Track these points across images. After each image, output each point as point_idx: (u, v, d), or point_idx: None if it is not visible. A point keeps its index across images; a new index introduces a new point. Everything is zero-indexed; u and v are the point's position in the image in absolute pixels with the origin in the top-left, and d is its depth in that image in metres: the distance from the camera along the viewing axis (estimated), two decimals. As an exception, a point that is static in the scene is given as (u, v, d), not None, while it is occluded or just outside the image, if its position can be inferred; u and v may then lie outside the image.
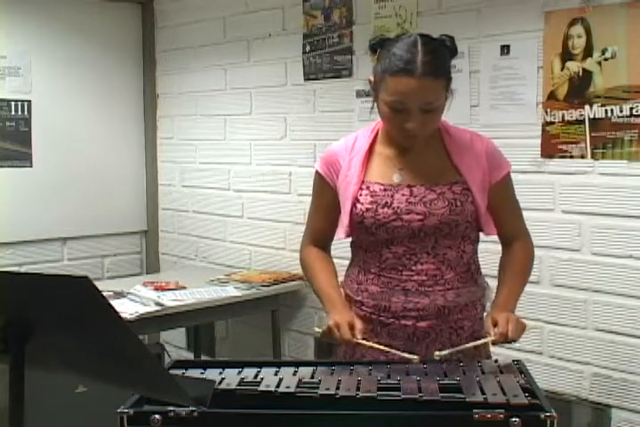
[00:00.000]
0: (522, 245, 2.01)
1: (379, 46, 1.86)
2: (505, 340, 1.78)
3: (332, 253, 2.11)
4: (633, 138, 2.55)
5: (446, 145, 1.94)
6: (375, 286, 1.95)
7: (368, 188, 1.92)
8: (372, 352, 1.90)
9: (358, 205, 1.91)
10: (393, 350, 1.80)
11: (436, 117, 1.85)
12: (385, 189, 1.91)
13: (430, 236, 1.89)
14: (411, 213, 1.88)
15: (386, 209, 1.89)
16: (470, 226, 1.93)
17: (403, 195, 1.89)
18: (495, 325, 1.81)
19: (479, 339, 1.92)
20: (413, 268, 1.90)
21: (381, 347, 1.82)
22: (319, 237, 2.07)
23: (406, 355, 1.76)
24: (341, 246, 2.11)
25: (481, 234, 2.01)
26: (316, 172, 2.03)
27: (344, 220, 1.95)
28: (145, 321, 3.05)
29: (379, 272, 1.94)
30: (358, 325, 1.82)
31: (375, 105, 1.88)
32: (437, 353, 1.74)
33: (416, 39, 1.80)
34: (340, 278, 2.06)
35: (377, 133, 1.98)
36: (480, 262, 2.02)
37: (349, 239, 2.03)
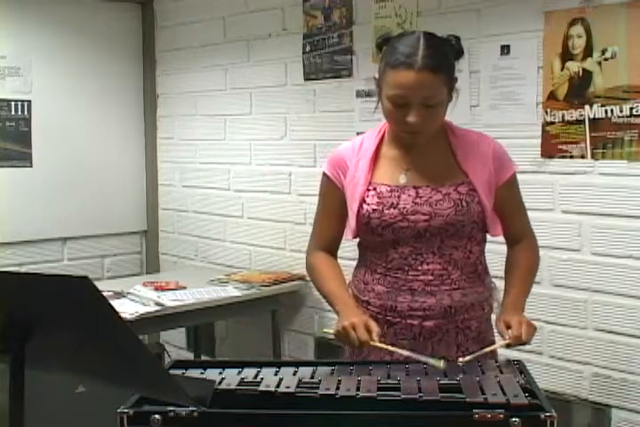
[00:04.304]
0: (527, 245, 2.01)
1: (384, 43, 1.88)
2: (519, 342, 1.78)
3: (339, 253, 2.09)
4: (633, 138, 2.55)
5: (452, 146, 1.94)
6: (381, 285, 1.95)
7: (375, 189, 1.92)
8: (379, 354, 1.88)
9: (365, 206, 1.91)
10: (414, 355, 1.72)
11: (437, 114, 1.85)
12: (391, 191, 1.91)
13: (436, 236, 1.89)
14: (417, 214, 1.88)
15: (392, 210, 1.89)
16: (476, 227, 1.93)
17: (409, 196, 1.90)
18: (509, 327, 1.80)
19: (485, 339, 1.94)
20: (419, 268, 1.91)
21: (400, 351, 1.75)
22: (327, 241, 2.05)
23: (431, 360, 1.68)
24: (347, 247, 2.11)
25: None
26: (324, 174, 2.03)
27: (351, 221, 1.95)
28: (145, 321, 3.05)
29: (385, 272, 1.94)
30: (375, 327, 1.79)
31: (379, 104, 1.89)
32: (461, 360, 1.69)
33: (419, 35, 1.82)
34: (348, 278, 2.06)
35: (383, 135, 1.99)
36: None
37: (357, 240, 2.03)
